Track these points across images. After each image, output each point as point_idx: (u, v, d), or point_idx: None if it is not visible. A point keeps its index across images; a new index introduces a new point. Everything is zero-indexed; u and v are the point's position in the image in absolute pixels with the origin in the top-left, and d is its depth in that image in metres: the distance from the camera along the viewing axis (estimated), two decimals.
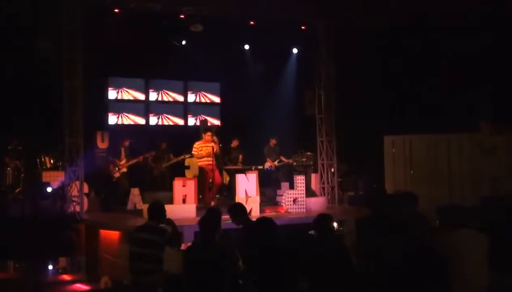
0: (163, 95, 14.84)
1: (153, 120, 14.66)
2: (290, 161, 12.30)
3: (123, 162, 11.64)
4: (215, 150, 10.93)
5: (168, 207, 6.35)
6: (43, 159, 11.88)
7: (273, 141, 12.64)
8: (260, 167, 12.30)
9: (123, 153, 11.74)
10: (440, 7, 11.02)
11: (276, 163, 12.40)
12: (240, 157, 12.42)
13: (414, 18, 11.46)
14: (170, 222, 6.05)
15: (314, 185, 11.99)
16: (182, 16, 11.63)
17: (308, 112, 14.27)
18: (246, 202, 9.56)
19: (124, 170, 11.64)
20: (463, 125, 10.50)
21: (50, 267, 9.15)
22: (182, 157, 12.12)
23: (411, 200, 5.85)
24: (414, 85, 12.33)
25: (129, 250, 5.96)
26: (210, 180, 10.98)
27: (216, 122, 15.19)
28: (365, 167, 12.98)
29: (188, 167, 12.54)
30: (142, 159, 11.83)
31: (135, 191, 11.45)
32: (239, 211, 6.16)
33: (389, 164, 11.14)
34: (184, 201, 9.92)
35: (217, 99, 15.52)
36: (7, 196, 11.26)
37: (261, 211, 10.10)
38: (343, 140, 12.75)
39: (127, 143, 11.94)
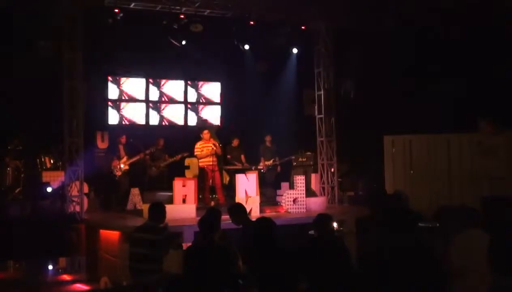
0: (163, 95, 14.84)
1: (153, 120, 14.65)
2: (281, 162, 12.33)
3: (124, 159, 11.57)
4: (215, 150, 10.93)
5: (168, 207, 6.36)
6: (43, 159, 11.87)
7: (268, 139, 12.61)
8: (260, 167, 12.30)
9: (122, 151, 11.68)
10: (438, 7, 11.03)
11: (269, 163, 12.37)
12: (242, 156, 12.42)
13: (415, 18, 11.46)
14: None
15: (314, 185, 11.99)
16: (182, 16, 11.63)
17: (308, 112, 14.27)
18: (246, 202, 9.57)
19: (126, 167, 11.57)
20: (463, 125, 10.50)
21: (50, 267, 9.15)
22: (177, 157, 12.10)
23: (403, 199, 5.84)
24: (415, 85, 12.32)
25: (129, 250, 5.97)
26: (210, 180, 10.99)
27: (216, 122, 15.19)
28: (365, 167, 12.97)
29: (188, 167, 12.55)
30: (142, 156, 11.80)
31: (135, 191, 11.44)
32: (239, 211, 6.16)
33: (389, 164, 11.12)
34: (184, 201, 9.92)
35: (217, 99, 15.52)
36: (7, 196, 11.25)
37: (261, 211, 10.11)
38: (343, 140, 12.75)
39: (123, 140, 11.82)
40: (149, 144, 12.17)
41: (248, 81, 14.53)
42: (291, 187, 11.19)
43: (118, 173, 11.49)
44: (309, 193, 11.20)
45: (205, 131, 11.12)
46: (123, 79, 14.30)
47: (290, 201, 10.56)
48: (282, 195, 11.15)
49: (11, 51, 11.08)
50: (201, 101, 15.34)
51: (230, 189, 11.39)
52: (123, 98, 14.30)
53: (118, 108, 14.23)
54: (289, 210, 10.52)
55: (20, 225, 9.54)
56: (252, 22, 12.27)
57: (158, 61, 13.34)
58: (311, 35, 12.76)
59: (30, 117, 11.30)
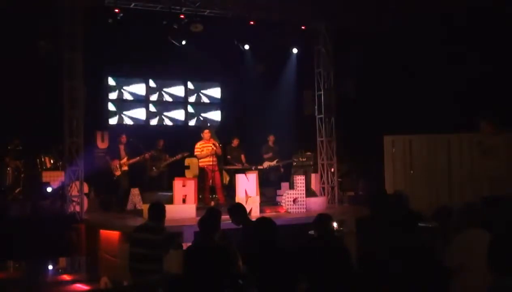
0: (163, 95, 14.85)
1: (153, 120, 14.67)
2: (283, 163, 12.36)
3: (124, 160, 11.52)
4: (215, 150, 10.93)
5: (168, 207, 6.35)
6: (43, 159, 11.86)
7: (271, 139, 12.64)
8: (260, 167, 12.30)
9: (122, 151, 11.63)
10: (438, 7, 11.04)
11: (272, 163, 12.39)
12: (243, 156, 12.43)
13: (415, 18, 11.46)
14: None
15: (314, 185, 11.98)
16: (182, 16, 11.63)
17: (307, 112, 14.28)
18: (246, 202, 9.57)
19: (125, 168, 11.54)
20: (463, 125, 10.50)
21: (50, 267, 9.14)
22: (177, 156, 12.08)
23: (403, 199, 5.85)
24: (414, 85, 12.33)
25: (129, 250, 5.97)
26: (210, 180, 10.99)
27: (216, 122, 15.19)
28: (365, 167, 12.98)
29: (188, 167, 12.55)
30: (142, 158, 11.77)
31: (135, 191, 11.43)
32: (239, 211, 6.16)
33: (389, 164, 11.12)
34: (184, 201, 9.91)
35: (217, 100, 15.53)
36: (7, 196, 11.25)
37: (261, 211, 10.10)
38: (343, 140, 12.75)
39: (124, 139, 11.72)
40: (149, 144, 12.16)
41: (248, 81, 14.54)
42: (291, 187, 11.18)
43: (118, 173, 11.44)
44: (309, 193, 11.19)
45: (206, 131, 11.12)
46: (123, 79, 14.31)
47: (290, 201, 10.55)
48: (282, 195, 11.14)
49: (11, 51, 11.07)
50: (201, 101, 15.36)
51: (230, 189, 11.39)
52: (123, 98, 14.31)
53: (118, 109, 14.24)
54: (289, 210, 10.51)
55: (20, 225, 9.53)
56: (252, 22, 12.27)
57: (158, 61, 13.34)
58: (311, 35, 12.76)
59: (30, 117, 11.30)
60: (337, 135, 12.67)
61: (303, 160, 11.86)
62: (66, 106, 10.28)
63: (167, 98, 14.90)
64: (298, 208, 10.50)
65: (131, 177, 11.73)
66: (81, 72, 10.38)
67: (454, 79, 11.51)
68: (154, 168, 12.13)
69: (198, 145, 11.02)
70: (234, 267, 5.03)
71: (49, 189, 11.16)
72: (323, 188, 12.50)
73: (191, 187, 10.07)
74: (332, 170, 12.62)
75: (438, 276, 4.45)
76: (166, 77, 14.75)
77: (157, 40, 12.34)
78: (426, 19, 11.44)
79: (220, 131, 13.40)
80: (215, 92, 15.51)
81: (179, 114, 15.02)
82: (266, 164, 12.43)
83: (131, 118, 14.37)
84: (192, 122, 15.08)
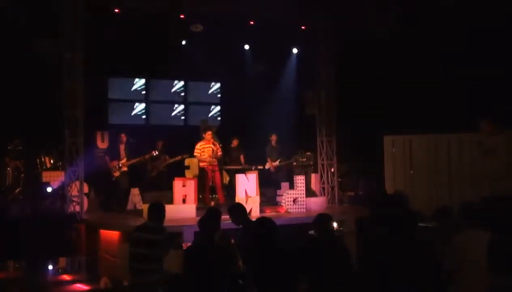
0: (163, 95, 14.85)
1: (153, 120, 14.66)
2: (287, 162, 12.34)
3: (124, 161, 11.50)
4: (216, 151, 10.92)
5: (168, 207, 6.35)
6: (43, 159, 11.87)
7: (274, 138, 12.58)
8: (260, 167, 12.28)
9: (122, 151, 11.61)
10: (439, 7, 11.05)
11: (276, 163, 12.39)
12: (242, 156, 12.42)
13: (415, 18, 11.47)
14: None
15: (314, 185, 11.98)
16: (182, 16, 11.64)
17: (308, 112, 14.28)
18: (246, 202, 9.57)
19: (125, 169, 11.52)
20: (463, 125, 10.50)
21: (50, 267, 9.15)
22: (177, 158, 12.08)
23: (403, 199, 5.85)
24: (414, 85, 12.33)
25: (129, 250, 5.97)
26: (210, 180, 10.99)
27: (216, 122, 15.19)
28: (365, 167, 12.98)
29: (188, 167, 12.55)
30: (142, 159, 11.75)
31: (135, 191, 11.43)
32: (239, 211, 6.17)
33: (389, 164, 11.12)
34: (184, 201, 9.92)
35: (217, 99, 15.53)
36: (7, 196, 11.25)
37: (261, 211, 10.10)
38: (343, 140, 12.75)
39: (124, 138, 11.64)
40: (149, 144, 12.14)
41: (248, 81, 14.55)
42: (291, 187, 11.19)
43: (116, 174, 11.42)
44: (309, 193, 11.19)
45: (209, 132, 11.09)
46: (123, 79, 14.32)
47: (290, 201, 10.56)
48: (282, 195, 11.14)
49: (11, 51, 11.08)
50: (201, 101, 15.36)
51: (230, 189, 11.39)
52: (123, 98, 14.31)
53: (118, 108, 14.24)
54: (289, 210, 10.52)
55: (20, 225, 9.54)
56: (252, 22, 12.27)
57: (158, 61, 13.34)
58: (311, 35, 12.76)
59: (30, 117, 11.30)
60: (337, 135, 12.67)
61: (303, 160, 11.85)
62: (66, 106, 10.28)
63: (167, 98, 14.89)
64: (298, 208, 10.51)
65: (131, 177, 11.72)
66: (81, 72, 10.38)
67: (454, 79, 11.51)
68: (154, 169, 12.12)
69: (199, 146, 11.00)
70: (234, 267, 5.04)
71: (49, 189, 11.16)
72: (323, 188, 12.50)
73: (191, 187, 10.07)
74: (332, 170, 12.62)
75: (438, 276, 4.45)
76: (166, 77, 14.75)
77: (157, 40, 12.34)
78: (426, 18, 11.45)
79: (220, 132, 13.41)
80: (215, 92, 15.51)
81: (179, 114, 15.02)
82: (268, 165, 12.40)
83: (131, 118, 14.36)
84: (191, 122, 15.06)
